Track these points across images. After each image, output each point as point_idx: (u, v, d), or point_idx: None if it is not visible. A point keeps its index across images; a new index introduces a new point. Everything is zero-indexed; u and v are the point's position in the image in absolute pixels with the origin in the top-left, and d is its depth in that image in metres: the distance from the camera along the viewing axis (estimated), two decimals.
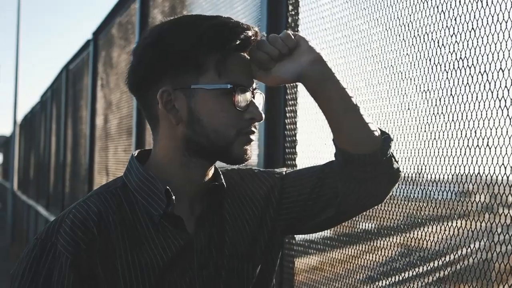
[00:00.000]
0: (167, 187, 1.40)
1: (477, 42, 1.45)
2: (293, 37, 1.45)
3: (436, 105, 1.58)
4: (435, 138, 1.58)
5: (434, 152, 1.58)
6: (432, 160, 1.58)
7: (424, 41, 1.63)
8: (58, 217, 1.40)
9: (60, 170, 8.61)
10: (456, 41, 1.51)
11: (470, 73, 1.47)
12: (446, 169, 1.53)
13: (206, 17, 1.44)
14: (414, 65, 1.66)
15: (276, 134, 2.34)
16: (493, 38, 1.41)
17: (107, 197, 1.42)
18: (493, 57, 1.41)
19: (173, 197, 1.39)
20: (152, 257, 1.38)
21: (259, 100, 1.47)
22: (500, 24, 1.39)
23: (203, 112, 1.39)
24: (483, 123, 1.43)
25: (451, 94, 1.53)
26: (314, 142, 2.14)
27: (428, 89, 1.61)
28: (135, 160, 1.47)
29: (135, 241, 1.38)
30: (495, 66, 1.39)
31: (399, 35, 1.71)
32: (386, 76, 1.76)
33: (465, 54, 1.49)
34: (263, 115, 1.45)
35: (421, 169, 1.64)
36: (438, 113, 1.57)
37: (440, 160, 1.55)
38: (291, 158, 2.32)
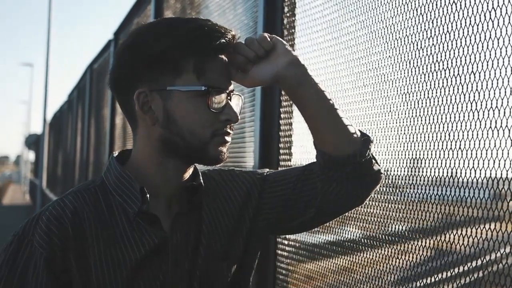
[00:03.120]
0: (142, 186, 1.42)
1: (451, 44, 1.45)
2: (269, 39, 1.46)
3: (414, 107, 1.59)
4: (412, 141, 1.59)
5: (412, 154, 1.58)
6: (409, 162, 1.58)
7: (404, 43, 1.63)
8: (36, 214, 1.43)
9: (84, 168, 8.72)
10: (433, 44, 1.52)
11: (444, 76, 1.47)
12: (422, 171, 1.53)
13: (184, 20, 1.46)
14: (395, 67, 1.67)
15: (270, 135, 2.36)
16: (465, 41, 1.41)
17: (84, 194, 1.45)
18: (465, 60, 1.41)
19: (148, 195, 1.42)
20: (125, 254, 1.41)
21: (237, 102, 1.48)
22: (472, 27, 1.39)
23: (179, 113, 1.41)
24: (456, 126, 1.43)
25: (427, 97, 1.53)
26: (308, 143, 2.15)
27: (408, 92, 1.62)
28: (114, 160, 1.50)
29: (110, 238, 1.41)
30: (467, 69, 1.40)
31: (382, 38, 1.72)
32: (371, 78, 1.77)
33: (441, 56, 1.49)
34: (239, 117, 1.46)
35: (401, 171, 1.65)
36: (416, 115, 1.58)
37: (417, 162, 1.55)
38: (285, 159, 2.34)
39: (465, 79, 1.42)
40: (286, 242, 2.35)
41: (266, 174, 1.61)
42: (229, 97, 1.45)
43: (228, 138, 1.46)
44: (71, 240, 1.38)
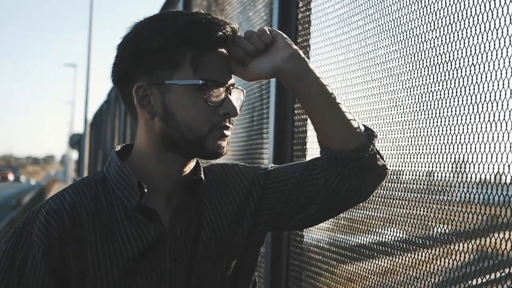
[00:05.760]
0: (140, 180, 1.42)
1: (452, 37, 1.42)
2: (269, 33, 1.45)
3: (418, 101, 1.56)
4: (416, 135, 1.56)
5: (415, 149, 1.55)
6: (412, 157, 1.55)
7: (409, 36, 1.60)
8: (36, 207, 1.45)
9: None
10: (435, 36, 1.48)
11: (446, 69, 1.44)
12: (424, 166, 1.50)
13: (183, 14, 1.46)
14: (400, 61, 1.64)
15: (284, 130, 2.35)
16: (466, 32, 1.38)
17: (84, 188, 1.46)
18: (466, 52, 1.38)
19: (145, 190, 1.42)
20: (122, 248, 1.41)
21: (237, 96, 1.47)
22: (473, 18, 1.36)
23: (176, 107, 1.41)
24: (456, 120, 1.40)
25: (430, 91, 1.50)
26: None
27: (412, 86, 1.59)
28: (115, 154, 1.50)
29: (108, 232, 1.41)
30: (468, 61, 1.36)
31: (389, 31, 1.69)
32: (378, 73, 1.75)
33: (442, 49, 1.46)
34: (238, 111, 1.45)
35: (403, 166, 1.62)
36: (420, 109, 1.55)
37: (419, 157, 1.52)
38: (299, 155, 2.32)
39: (465, 72, 1.38)
40: (298, 239, 2.34)
41: (269, 169, 1.59)
42: (228, 91, 1.44)
43: (227, 132, 1.45)
44: (69, 233, 1.39)
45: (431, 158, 1.55)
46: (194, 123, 1.40)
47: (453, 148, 1.46)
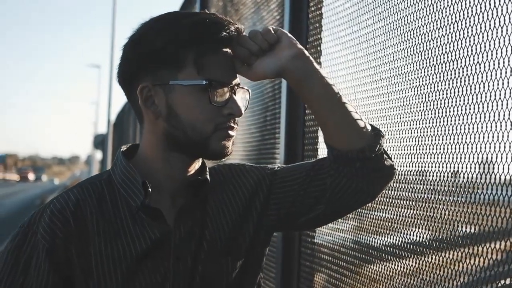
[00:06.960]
0: (144, 180, 1.42)
1: (459, 35, 1.40)
2: (273, 32, 1.44)
3: (426, 101, 1.54)
4: (424, 135, 1.54)
5: (423, 149, 1.53)
6: (421, 158, 1.53)
7: (417, 35, 1.59)
8: (42, 207, 1.46)
9: None
10: (442, 35, 1.46)
11: (452, 67, 1.42)
12: (431, 167, 1.48)
13: (187, 14, 1.46)
14: (408, 60, 1.62)
15: (296, 131, 2.34)
16: (472, 30, 1.36)
17: (89, 188, 1.46)
18: (472, 50, 1.36)
19: (150, 189, 1.42)
20: (126, 248, 1.41)
21: (242, 96, 1.47)
22: (478, 15, 1.34)
23: (180, 107, 1.41)
24: (464, 120, 1.37)
25: (438, 90, 1.48)
26: None
27: (420, 85, 1.57)
28: (120, 154, 1.51)
29: (112, 231, 1.42)
30: (476, 59, 1.34)
31: (397, 30, 1.68)
32: (386, 72, 1.73)
33: (449, 47, 1.44)
34: (243, 111, 1.45)
35: (412, 166, 1.60)
36: (428, 109, 1.53)
37: (427, 158, 1.50)
38: (310, 155, 2.31)
39: (471, 70, 1.36)
40: (310, 239, 2.32)
41: (276, 169, 1.59)
42: (233, 91, 1.43)
43: (231, 132, 1.44)
44: (73, 233, 1.40)
45: (440, 158, 1.53)
46: (198, 124, 1.40)
47: (462, 148, 1.44)
